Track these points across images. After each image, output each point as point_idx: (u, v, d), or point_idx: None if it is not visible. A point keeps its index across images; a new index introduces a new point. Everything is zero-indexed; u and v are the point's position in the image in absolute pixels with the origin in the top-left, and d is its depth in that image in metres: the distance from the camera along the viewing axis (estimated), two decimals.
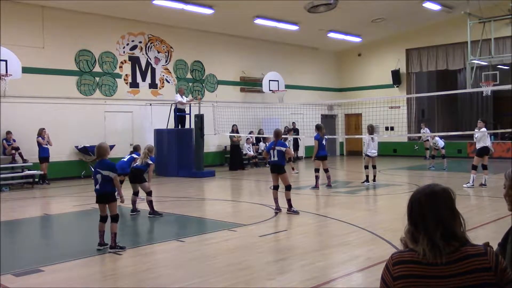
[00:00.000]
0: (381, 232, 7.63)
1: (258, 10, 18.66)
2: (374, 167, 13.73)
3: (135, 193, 9.81)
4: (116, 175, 6.91)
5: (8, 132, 14.79)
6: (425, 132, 20.22)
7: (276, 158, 9.67)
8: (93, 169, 7.10)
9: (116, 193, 7.04)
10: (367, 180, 13.72)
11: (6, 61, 14.02)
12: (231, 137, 19.34)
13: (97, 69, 17.34)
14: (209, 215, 10.01)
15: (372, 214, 9.93)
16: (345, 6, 18.44)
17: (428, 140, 20.08)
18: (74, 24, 16.70)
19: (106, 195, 6.88)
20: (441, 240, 1.96)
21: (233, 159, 19.59)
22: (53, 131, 15.53)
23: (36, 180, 15.05)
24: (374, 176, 13.73)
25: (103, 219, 6.96)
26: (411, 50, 24.23)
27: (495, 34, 18.73)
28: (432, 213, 2.00)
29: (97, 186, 6.87)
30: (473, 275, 1.93)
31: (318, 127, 13.53)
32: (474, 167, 12.65)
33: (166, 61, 19.45)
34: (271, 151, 9.72)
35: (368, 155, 13.64)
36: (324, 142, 13.46)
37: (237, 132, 19.52)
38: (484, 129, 12.77)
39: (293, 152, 13.52)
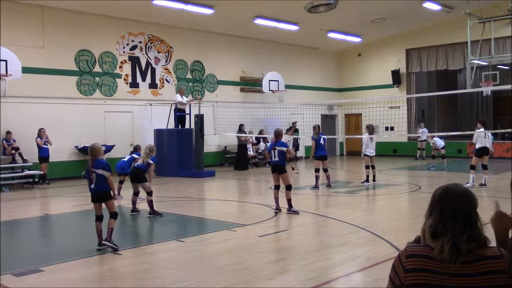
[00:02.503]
0: (381, 232, 7.62)
1: (258, 10, 18.66)
2: (373, 167, 13.73)
3: (136, 193, 9.81)
4: (110, 174, 6.93)
5: (8, 132, 14.79)
6: (424, 132, 20.24)
7: (277, 158, 9.67)
8: (87, 169, 7.13)
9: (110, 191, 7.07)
10: (367, 180, 13.72)
11: (6, 61, 14.01)
12: (238, 137, 19.33)
13: (97, 69, 17.34)
14: (209, 215, 10.01)
15: (372, 214, 9.92)
16: (345, 6, 18.44)
17: (425, 140, 20.14)
18: (74, 24, 16.70)
19: (101, 194, 6.91)
20: (465, 242, 1.98)
21: (239, 159, 19.53)
22: (53, 131, 15.53)
23: (36, 180, 15.05)
24: (374, 176, 13.74)
25: (99, 218, 6.98)
26: (411, 50, 24.23)
27: (495, 34, 18.71)
28: (463, 214, 2.03)
29: (92, 186, 6.93)
30: (487, 276, 1.95)
31: (313, 128, 13.63)
32: (473, 167, 12.68)
33: (166, 61, 19.46)
34: (272, 151, 9.73)
35: (366, 155, 13.65)
36: (322, 141, 13.45)
37: (244, 131, 19.51)
38: (481, 129, 12.78)
39: (293, 151, 13.52)
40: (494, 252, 2.00)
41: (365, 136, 13.82)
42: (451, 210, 2.03)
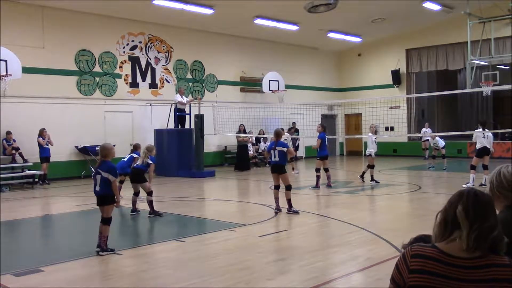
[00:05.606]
0: (381, 232, 7.62)
1: (258, 10, 18.65)
2: (372, 167, 13.83)
3: (136, 194, 9.81)
4: (116, 179, 6.75)
5: (8, 132, 14.78)
6: (427, 132, 20.23)
7: (277, 159, 9.67)
8: (93, 169, 7.04)
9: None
10: (367, 179, 13.83)
11: (6, 61, 14.00)
12: (237, 137, 19.30)
13: (97, 69, 17.34)
14: (209, 215, 10.02)
15: (372, 214, 9.93)
16: (345, 6, 18.42)
17: (427, 140, 20.11)
18: (74, 24, 16.70)
19: (104, 197, 6.77)
20: (491, 239, 1.92)
21: (240, 159, 19.43)
22: (53, 131, 15.51)
23: (36, 180, 15.05)
24: (372, 176, 13.82)
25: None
26: (411, 50, 24.23)
27: (495, 34, 18.70)
28: (494, 213, 1.98)
29: (97, 188, 6.80)
30: (492, 283, 1.89)
31: (323, 126, 13.77)
32: (473, 167, 12.71)
33: (166, 61, 19.45)
34: (272, 151, 9.73)
35: (369, 155, 13.79)
36: (326, 142, 13.57)
37: (244, 132, 19.47)
38: (480, 129, 12.82)
39: (294, 152, 13.61)
40: (503, 260, 1.94)
41: (369, 135, 14.02)
42: (484, 205, 1.96)
